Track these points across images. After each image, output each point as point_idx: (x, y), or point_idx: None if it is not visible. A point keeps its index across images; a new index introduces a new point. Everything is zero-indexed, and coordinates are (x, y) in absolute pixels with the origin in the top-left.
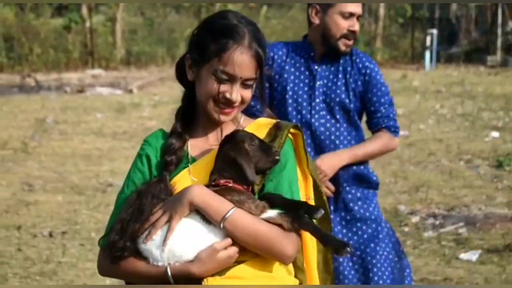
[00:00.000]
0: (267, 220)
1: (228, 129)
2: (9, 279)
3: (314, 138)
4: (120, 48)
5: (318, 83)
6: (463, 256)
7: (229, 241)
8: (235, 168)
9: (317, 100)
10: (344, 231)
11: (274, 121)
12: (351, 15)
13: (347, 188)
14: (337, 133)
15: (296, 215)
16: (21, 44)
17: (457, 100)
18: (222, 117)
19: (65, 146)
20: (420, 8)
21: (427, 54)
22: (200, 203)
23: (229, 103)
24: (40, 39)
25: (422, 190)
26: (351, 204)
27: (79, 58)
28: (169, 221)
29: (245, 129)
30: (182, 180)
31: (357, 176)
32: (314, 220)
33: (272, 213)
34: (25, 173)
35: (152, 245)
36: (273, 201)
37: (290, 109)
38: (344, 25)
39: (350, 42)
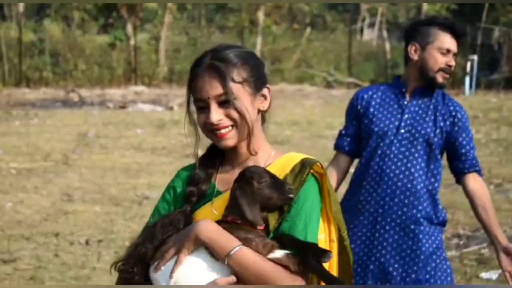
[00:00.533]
0: (274, 261)
1: (253, 161)
2: (46, 282)
3: (389, 165)
4: (163, 66)
5: (406, 116)
6: (484, 275)
7: (233, 278)
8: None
9: (402, 131)
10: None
11: (301, 157)
12: (448, 51)
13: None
14: (414, 162)
15: (304, 257)
16: (66, 60)
17: (493, 126)
18: (222, 143)
19: (105, 160)
20: None
21: (467, 80)
22: (206, 238)
23: (213, 127)
24: (85, 56)
25: (450, 212)
26: (420, 236)
27: (122, 74)
28: (177, 253)
29: (273, 163)
30: (203, 212)
31: (431, 217)
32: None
33: (279, 253)
34: (65, 184)
35: (159, 275)
36: (284, 241)
37: (374, 137)
38: (442, 60)
39: (447, 76)
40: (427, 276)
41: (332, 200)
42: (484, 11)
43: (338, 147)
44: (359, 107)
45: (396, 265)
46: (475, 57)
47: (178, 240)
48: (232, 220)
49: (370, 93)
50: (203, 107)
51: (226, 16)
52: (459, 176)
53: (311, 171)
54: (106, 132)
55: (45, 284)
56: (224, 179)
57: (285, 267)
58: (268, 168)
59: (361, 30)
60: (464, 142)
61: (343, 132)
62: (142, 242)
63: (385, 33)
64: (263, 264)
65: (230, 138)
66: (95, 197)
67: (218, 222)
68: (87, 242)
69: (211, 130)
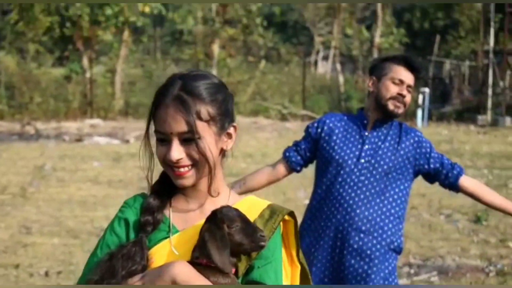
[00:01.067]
0: None
1: (212, 201)
2: None
3: (349, 193)
4: (119, 99)
5: (366, 146)
6: None
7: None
8: None
9: (362, 160)
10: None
11: (267, 202)
12: (401, 82)
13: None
14: (373, 191)
15: None
16: (22, 93)
17: None
18: (179, 181)
19: (62, 193)
20: None
21: (419, 112)
22: (183, 282)
23: (173, 164)
24: (41, 88)
25: None
26: (376, 261)
27: (78, 107)
28: None
29: (235, 206)
30: (162, 251)
31: (387, 244)
32: None
33: None
34: (23, 217)
35: None
36: None
37: (334, 164)
38: (394, 89)
39: (399, 104)
40: None
41: (300, 246)
42: (435, 44)
43: (285, 155)
44: (319, 130)
45: None
46: (427, 90)
47: (148, 281)
48: (206, 264)
49: (334, 120)
50: (164, 140)
51: (181, 48)
52: (455, 185)
53: (282, 218)
54: (62, 165)
55: None
56: (181, 217)
57: None
58: None
59: (315, 62)
60: (438, 159)
61: (297, 143)
62: (101, 279)
63: (338, 66)
64: None
65: (188, 177)
66: (53, 230)
67: (191, 263)
68: (46, 274)
69: (169, 166)
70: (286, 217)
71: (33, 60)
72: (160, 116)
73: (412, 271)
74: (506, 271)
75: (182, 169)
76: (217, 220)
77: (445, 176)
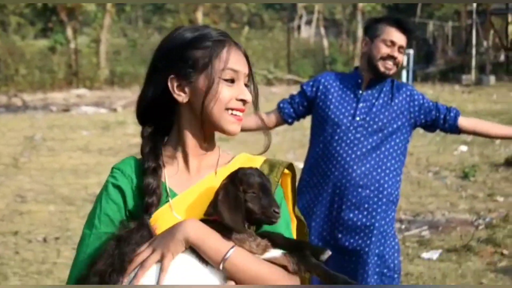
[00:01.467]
0: (270, 261)
1: (206, 158)
2: (9, 277)
3: (346, 150)
4: (104, 68)
5: (360, 104)
6: (425, 255)
7: (232, 284)
8: None
9: (357, 118)
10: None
11: (263, 158)
12: (393, 43)
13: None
14: (369, 147)
15: (302, 256)
16: (7, 65)
17: None
18: (235, 127)
19: (53, 162)
20: None
21: (404, 73)
22: (197, 240)
23: (240, 106)
24: (26, 60)
25: None
26: (373, 213)
27: (64, 78)
28: (160, 260)
29: (230, 164)
30: (163, 217)
31: (384, 196)
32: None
33: (276, 252)
34: (16, 186)
35: None
36: (275, 240)
37: (331, 123)
38: (385, 50)
39: (389, 65)
40: (377, 251)
41: (296, 200)
42: (418, 5)
43: (279, 106)
44: (315, 89)
45: (351, 240)
46: (411, 51)
47: (158, 245)
48: (219, 221)
49: (329, 79)
50: (232, 80)
51: (164, 17)
52: (455, 127)
53: (283, 170)
54: (52, 135)
55: (9, 279)
56: (176, 177)
57: (283, 266)
58: (226, 170)
59: (299, 27)
60: (433, 107)
61: (292, 96)
62: (112, 269)
63: (322, 30)
64: (260, 266)
65: (240, 124)
66: (48, 198)
67: (204, 220)
68: (45, 240)
69: (233, 109)
70: (285, 171)
71: (15, 32)
72: (233, 56)
73: (403, 226)
74: (495, 223)
75: (241, 114)
76: (235, 179)
77: (443, 121)
